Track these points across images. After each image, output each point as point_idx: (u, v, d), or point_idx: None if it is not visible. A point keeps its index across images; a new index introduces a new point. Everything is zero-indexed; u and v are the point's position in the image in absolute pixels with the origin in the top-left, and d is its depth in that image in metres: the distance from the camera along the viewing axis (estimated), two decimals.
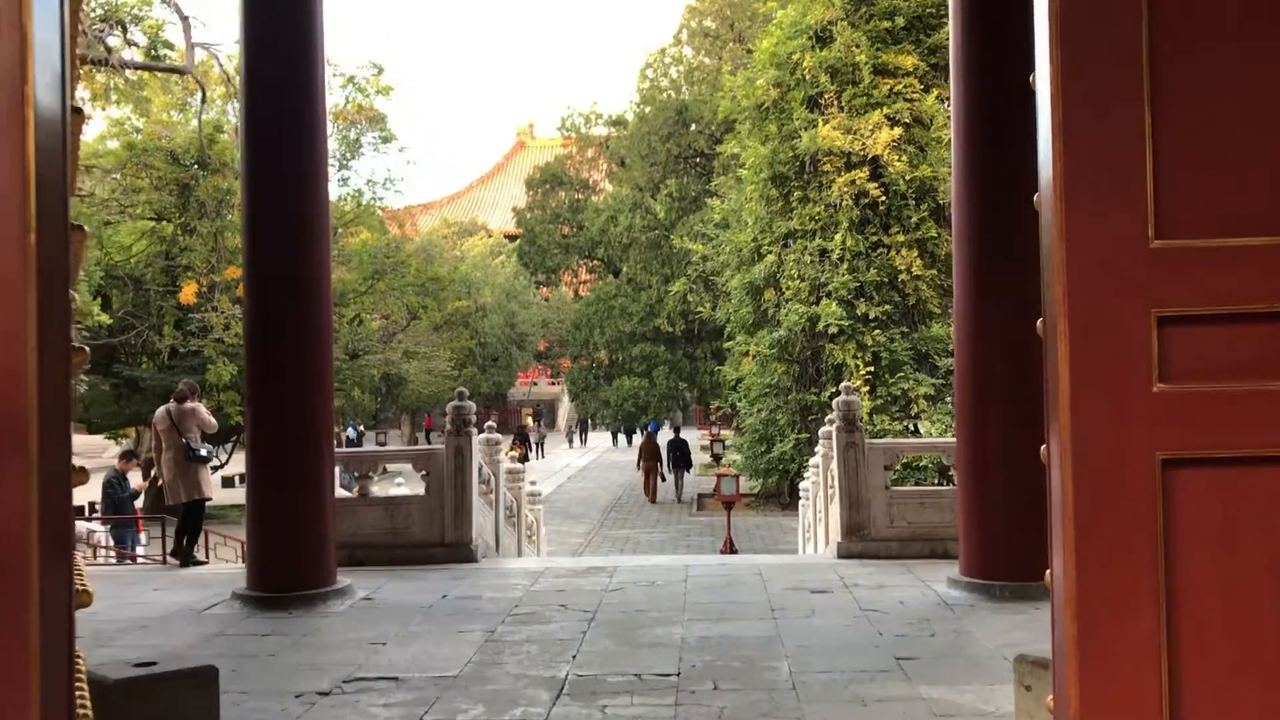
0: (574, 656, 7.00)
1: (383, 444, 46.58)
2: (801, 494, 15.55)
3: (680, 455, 32.82)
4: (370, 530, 10.93)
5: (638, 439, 41.92)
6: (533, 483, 16.63)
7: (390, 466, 17.42)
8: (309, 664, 6.95)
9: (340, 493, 11.71)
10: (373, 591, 9.39)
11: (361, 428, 47.57)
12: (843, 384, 10.99)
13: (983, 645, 7.11)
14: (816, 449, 14.44)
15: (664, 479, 32.81)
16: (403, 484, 14.80)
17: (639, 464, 33.42)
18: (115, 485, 16.70)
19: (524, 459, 39.02)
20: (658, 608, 8.50)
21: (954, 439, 11.66)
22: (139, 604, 9.09)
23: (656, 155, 31.13)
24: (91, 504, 28.73)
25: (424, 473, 11.09)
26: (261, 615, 8.52)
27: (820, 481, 12.47)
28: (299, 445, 8.92)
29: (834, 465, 11.68)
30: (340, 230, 30.43)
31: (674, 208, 30.66)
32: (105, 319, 19.69)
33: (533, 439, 48.94)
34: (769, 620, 7.96)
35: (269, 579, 8.87)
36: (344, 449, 11.57)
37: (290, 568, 8.89)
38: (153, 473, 16.04)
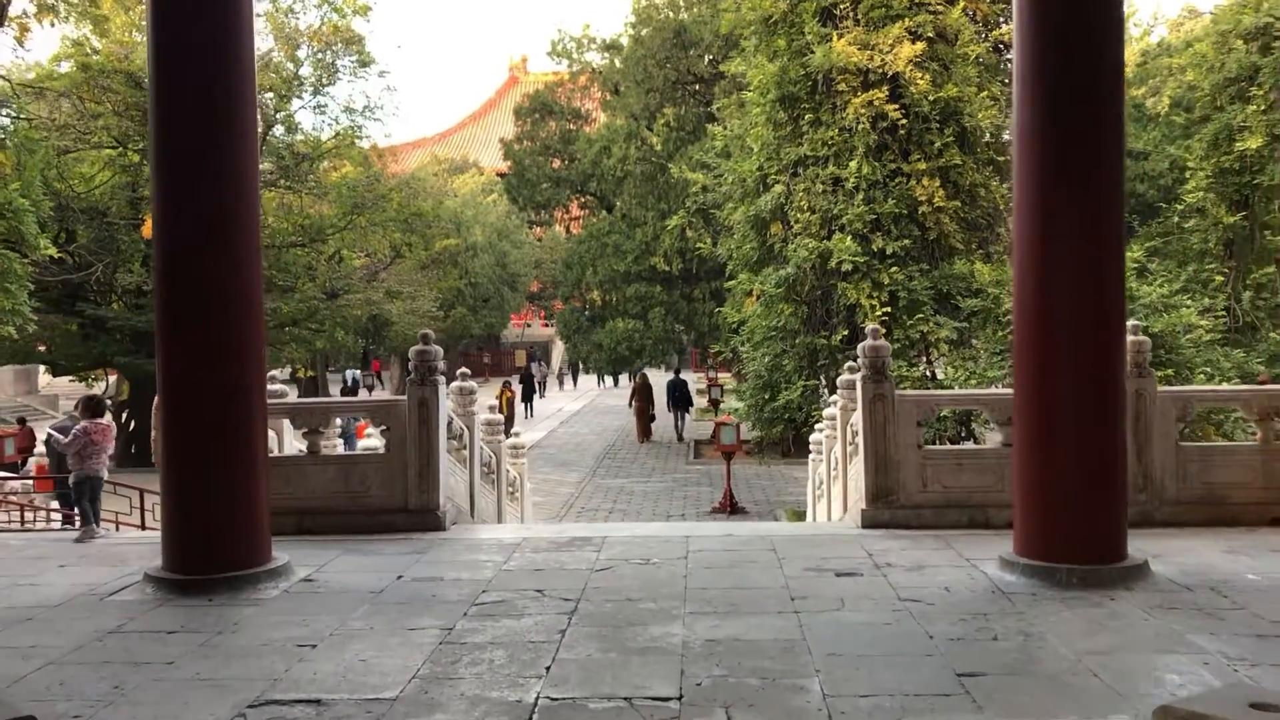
0: (548, 668, 5.55)
1: (371, 389, 45.12)
2: (812, 446, 14.08)
3: (680, 396, 32.43)
4: (322, 494, 9.46)
5: (625, 381, 41.99)
6: (516, 433, 15.16)
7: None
8: (212, 678, 5.49)
9: (291, 448, 10.25)
10: (316, 570, 7.93)
11: (359, 371, 46.01)
12: (869, 326, 9.45)
13: (1061, 655, 5.66)
14: (831, 399, 12.96)
15: (654, 418, 32.30)
16: (373, 435, 13.31)
17: (631, 403, 32.86)
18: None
19: (521, 401, 38.03)
20: (653, 595, 7.05)
21: (1008, 391, 10.21)
22: (34, 586, 7.62)
23: (653, 81, 29.20)
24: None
25: (383, 428, 9.59)
26: (174, 604, 7.05)
27: (839, 436, 10.99)
28: (223, 399, 7.40)
29: (856, 420, 10.20)
30: (316, 163, 28.69)
31: (671, 138, 28.81)
32: (52, 251, 18.03)
33: (536, 379, 47.95)
34: (789, 615, 6.50)
35: (187, 559, 7.40)
36: (288, 400, 10.03)
37: (213, 545, 7.41)
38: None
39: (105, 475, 9.75)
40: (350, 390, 44.02)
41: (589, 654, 5.78)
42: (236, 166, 7.42)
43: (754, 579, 7.46)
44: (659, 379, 38.40)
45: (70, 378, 30.25)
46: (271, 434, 10.60)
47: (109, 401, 16.55)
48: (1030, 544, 7.34)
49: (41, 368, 33.65)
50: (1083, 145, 7.11)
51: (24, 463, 24.79)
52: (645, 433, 32.21)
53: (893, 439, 9.22)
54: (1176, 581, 7.17)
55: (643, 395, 32.06)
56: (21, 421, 29.04)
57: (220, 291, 7.37)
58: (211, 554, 7.38)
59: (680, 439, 31.99)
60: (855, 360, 13.57)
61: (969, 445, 11.11)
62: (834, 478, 11.75)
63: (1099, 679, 5.25)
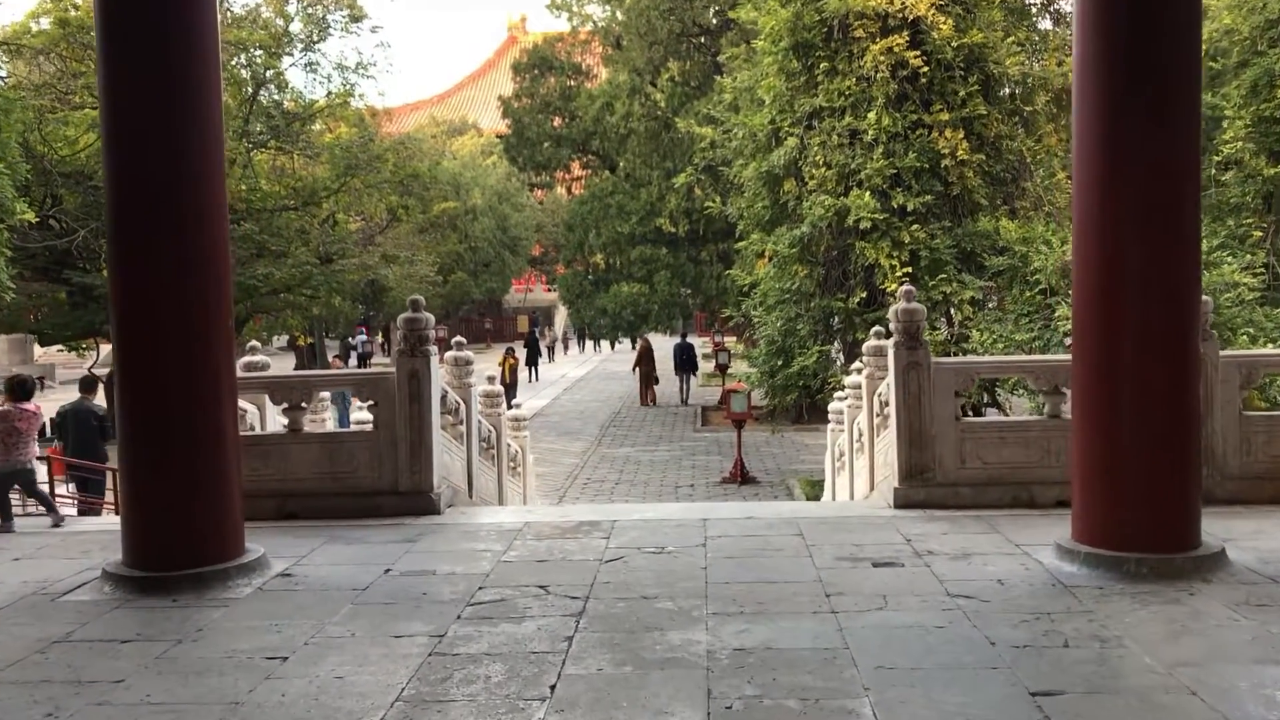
0: (553, 687, 4.78)
1: (370, 356, 44.27)
2: (832, 415, 13.28)
3: (686, 359, 32.47)
4: (305, 475, 8.68)
5: (614, 347, 42.50)
6: (517, 404, 14.36)
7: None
8: (164, 703, 4.72)
9: (276, 425, 9.45)
10: (295, 562, 7.15)
11: (364, 336, 45.05)
12: (902, 288, 8.62)
13: (1147, 666, 4.87)
14: (853, 366, 12.14)
15: (657, 381, 32.34)
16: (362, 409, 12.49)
17: (635, 368, 32.87)
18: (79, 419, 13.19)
19: (526, 365, 37.83)
20: (670, 591, 6.27)
21: (1058, 357, 9.39)
22: None
23: (656, 34, 28.05)
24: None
25: (371, 403, 8.79)
26: (133, 605, 6.28)
27: (864, 406, 10.18)
28: (187, 373, 6.59)
29: (885, 389, 9.39)
30: (309, 124, 27.70)
31: (676, 93, 27.69)
32: (30, 216, 17.15)
33: (543, 345, 47.42)
34: (826, 616, 5.72)
35: (147, 553, 6.62)
36: (266, 373, 9.22)
37: (177, 537, 6.63)
38: None
39: (34, 467, 8.73)
40: (346, 357, 43.20)
41: (600, 667, 5.01)
42: (196, 113, 6.56)
43: (782, 571, 6.67)
44: (664, 343, 37.68)
45: (58, 347, 29.46)
46: (253, 410, 9.84)
47: (98, 375, 15.68)
48: (1092, 529, 6.54)
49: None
50: (1156, 75, 6.25)
51: None
52: (649, 396, 32.05)
53: (928, 411, 8.41)
54: (1258, 572, 6.37)
55: (646, 359, 31.96)
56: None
57: (180, 251, 6.54)
58: (175, 547, 6.60)
59: (685, 403, 31.86)
60: (882, 324, 12.81)
61: (1011, 417, 10.30)
62: (858, 450, 10.96)
63: (1199, 699, 4.47)
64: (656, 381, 32.43)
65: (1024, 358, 10.84)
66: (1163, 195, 6.25)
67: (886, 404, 9.23)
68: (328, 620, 5.87)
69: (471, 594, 6.31)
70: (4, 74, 23.44)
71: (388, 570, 6.92)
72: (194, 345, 6.60)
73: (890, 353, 8.55)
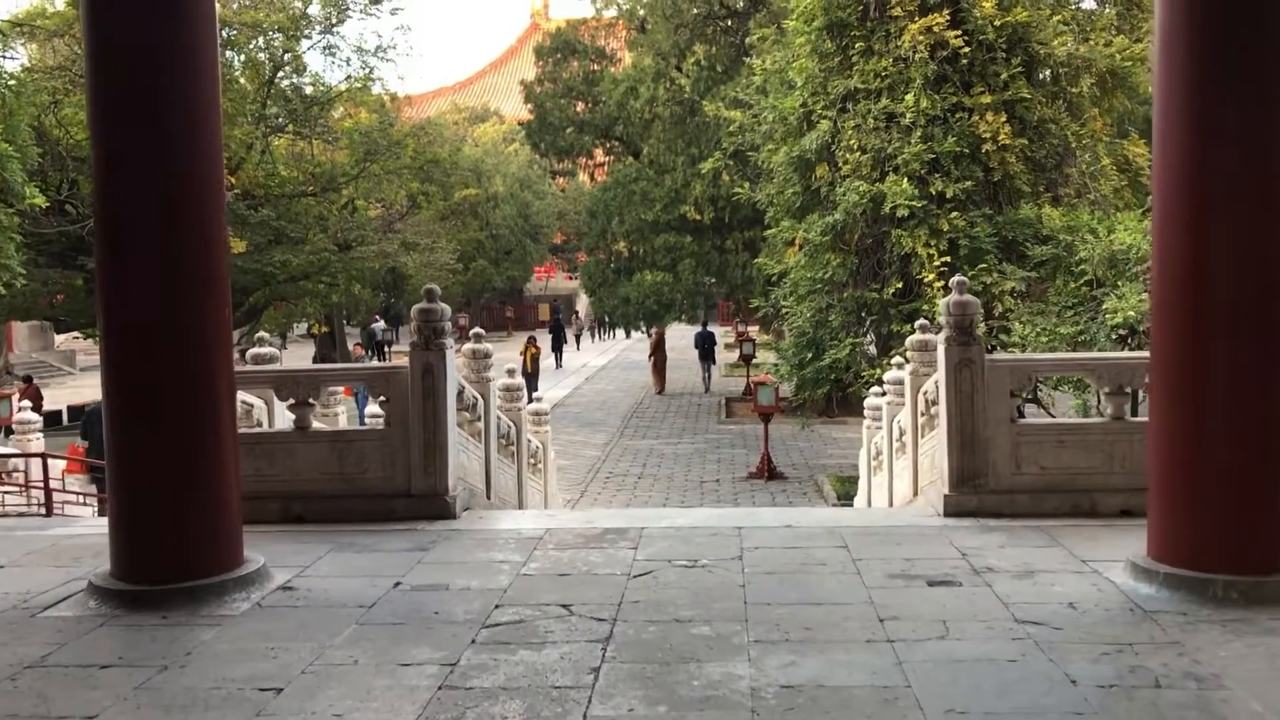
0: None
1: (390, 344, 43.85)
2: (868, 411, 12.66)
3: (709, 348, 33.24)
4: (312, 475, 8.13)
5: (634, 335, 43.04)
6: (538, 398, 13.80)
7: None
8: None
9: (285, 422, 8.93)
10: (298, 573, 6.61)
11: (382, 325, 44.57)
12: (955, 279, 7.97)
13: (1257, 715, 4.26)
14: (893, 360, 11.52)
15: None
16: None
17: (650, 357, 33.76)
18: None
19: (552, 351, 38.00)
20: (706, 612, 5.68)
21: (1123, 355, 8.75)
22: None
23: (682, 16, 27.36)
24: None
25: (382, 399, 8.24)
26: (119, 622, 5.75)
27: (907, 404, 9.57)
28: (180, 368, 6.05)
29: (931, 386, 8.78)
30: (327, 108, 27.21)
31: (702, 78, 27.00)
32: (41, 201, 16.73)
33: (569, 333, 47.30)
34: (881, 645, 5.13)
35: (137, 564, 6.09)
36: (272, 367, 8.70)
37: (168, 547, 6.10)
38: None
39: None
40: (370, 346, 42.77)
41: (631, 708, 4.44)
42: (188, 83, 6.01)
43: (828, 590, 6.08)
44: (683, 332, 37.24)
45: (74, 334, 29.15)
46: (260, 405, 9.36)
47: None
48: (1172, 546, 5.91)
49: None
50: (1257, 34, 5.59)
51: None
52: (662, 383, 32.97)
53: (982, 412, 7.78)
54: None
55: (661, 349, 32.95)
56: (28, 380, 28.01)
57: (171, 235, 5.99)
58: (166, 559, 6.07)
59: (707, 390, 32.56)
60: (918, 316, 12.17)
61: (1070, 419, 9.68)
62: (898, 451, 10.35)
63: None
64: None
65: (1086, 355, 10.20)
66: (1262, 179, 5.60)
67: (934, 403, 8.62)
68: (329, 643, 5.32)
69: (487, 613, 5.75)
70: (20, 57, 23.02)
71: (397, 584, 6.36)
72: (187, 337, 6.06)
73: (940, 348, 7.92)
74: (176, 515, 6.08)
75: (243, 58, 25.34)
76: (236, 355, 7.99)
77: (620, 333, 45.31)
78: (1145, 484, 7.37)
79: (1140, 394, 9.03)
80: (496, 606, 5.87)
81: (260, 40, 24.97)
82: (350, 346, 39.05)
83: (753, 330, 40.15)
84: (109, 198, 6.01)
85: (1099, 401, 13.49)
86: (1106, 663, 4.85)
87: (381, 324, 44.32)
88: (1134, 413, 8.02)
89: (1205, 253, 5.68)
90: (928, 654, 5.01)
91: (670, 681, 4.72)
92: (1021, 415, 13.49)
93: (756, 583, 6.23)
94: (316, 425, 8.89)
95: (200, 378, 6.13)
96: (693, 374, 34.66)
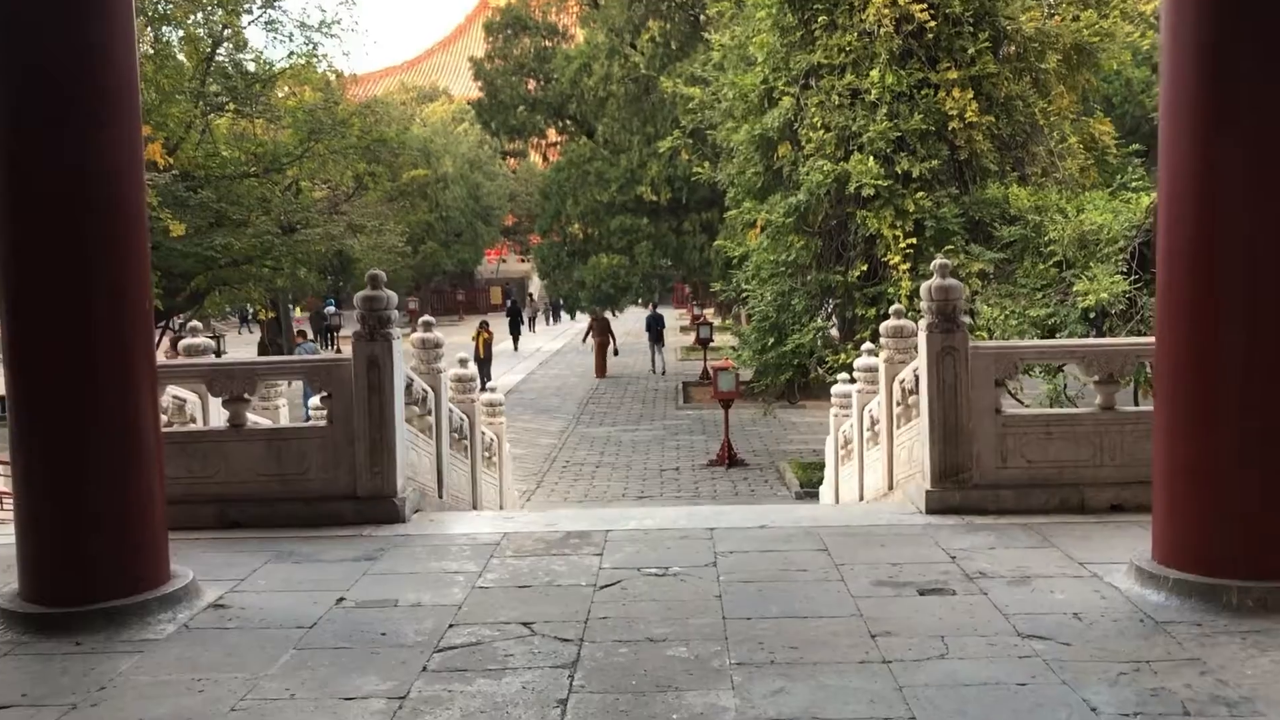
0: None
1: (337, 329, 42.84)
2: (835, 399, 12.22)
3: (659, 330, 33.36)
4: (248, 477, 7.53)
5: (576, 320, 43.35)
6: (491, 388, 13.22)
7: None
8: None
9: (220, 420, 8.29)
10: (232, 588, 6.02)
11: (333, 308, 43.62)
12: (937, 261, 7.51)
13: None
14: (864, 347, 11.08)
15: (616, 353, 33.51)
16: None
17: (585, 338, 34.08)
18: None
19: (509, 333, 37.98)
20: (682, 630, 5.18)
21: (1117, 341, 8.36)
22: None
23: None
24: None
25: (324, 394, 7.63)
26: (26, 650, 5.13)
27: (882, 392, 9.12)
28: (92, 362, 5.42)
29: (908, 375, 8.34)
30: (270, 86, 26.23)
31: (658, 55, 26.36)
32: None
33: (525, 315, 46.96)
34: (876, 667, 4.65)
35: (48, 584, 5.47)
36: (203, 360, 8.06)
37: (82, 564, 5.47)
38: None
39: None
40: (320, 331, 41.78)
41: None
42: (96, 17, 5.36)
43: (812, 600, 5.60)
44: (639, 315, 36.82)
45: None
46: (194, 400, 8.72)
47: None
48: (1180, 550, 5.50)
49: None
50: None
51: None
52: (603, 368, 32.77)
53: (965, 402, 7.35)
54: None
55: (601, 330, 32.79)
56: None
57: (81, 214, 5.34)
58: (80, 576, 5.44)
59: (660, 371, 32.71)
60: (892, 300, 11.75)
61: (1059, 409, 9.29)
62: (870, 442, 9.92)
63: None
64: (616, 353, 33.62)
65: (1075, 341, 9.83)
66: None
67: (911, 392, 8.18)
68: (263, 673, 4.75)
69: (440, 634, 5.20)
70: None
71: (341, 600, 5.79)
72: (99, 327, 5.43)
73: (922, 335, 7.47)
74: (91, 527, 5.46)
75: (180, 33, 24.31)
76: (167, 345, 7.36)
77: (567, 316, 45.27)
78: (1136, 477, 7.06)
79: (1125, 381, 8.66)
80: (450, 626, 5.33)
81: (199, 15, 23.96)
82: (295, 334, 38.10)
83: (708, 313, 39.71)
84: (10, 173, 5.35)
85: (1065, 387, 13.29)
86: (1125, 685, 4.41)
87: (332, 308, 43.35)
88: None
89: (1224, 231, 5.24)
90: (929, 676, 4.54)
91: (646, 716, 4.22)
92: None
93: (734, 593, 5.74)
94: (255, 421, 8.29)
95: (116, 372, 5.50)
96: (644, 358, 34.29)
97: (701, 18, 25.31)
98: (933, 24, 14.46)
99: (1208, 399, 5.37)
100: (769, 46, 15.61)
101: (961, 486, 7.40)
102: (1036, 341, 10.84)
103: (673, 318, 55.60)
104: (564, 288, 31.92)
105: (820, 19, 15.01)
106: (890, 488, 8.89)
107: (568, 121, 32.90)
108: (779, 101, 15.46)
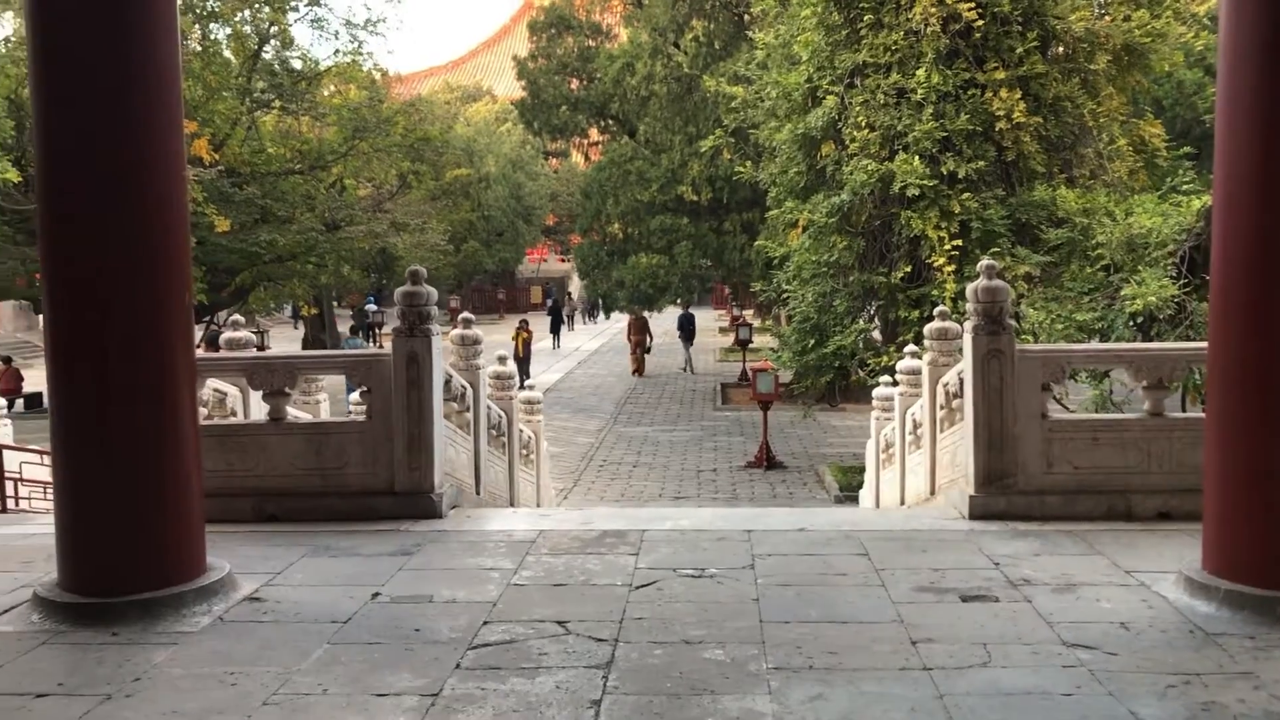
0: None
1: (380, 326, 43.13)
2: (876, 401, 12.08)
3: (690, 329, 33.69)
4: (287, 471, 7.54)
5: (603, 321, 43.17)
6: (530, 385, 13.20)
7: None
8: None
9: (258, 414, 8.32)
10: (267, 581, 6.02)
11: (374, 305, 44.05)
12: (983, 262, 7.39)
13: None
14: (906, 349, 10.94)
15: (649, 352, 33.42)
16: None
17: (628, 336, 33.89)
18: None
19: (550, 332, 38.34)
20: (718, 632, 5.10)
21: (1174, 345, 8.19)
22: None
23: None
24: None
25: (363, 389, 7.63)
26: (63, 640, 5.15)
27: (925, 395, 8.99)
28: (132, 356, 5.44)
29: (951, 378, 8.21)
30: (315, 84, 26.48)
31: (701, 54, 26.27)
32: (13, 176, 16.07)
33: (565, 312, 47.14)
34: (917, 674, 4.55)
35: (85, 574, 5.49)
36: (245, 354, 8.09)
37: (120, 555, 5.49)
38: None
39: None
40: (361, 328, 42.07)
41: None
42: (143, 40, 5.38)
43: (851, 605, 5.50)
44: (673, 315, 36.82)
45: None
46: (235, 393, 8.76)
47: None
48: (1232, 560, 5.35)
49: None
50: None
51: (10, 406, 23.11)
52: (639, 365, 32.78)
53: (1011, 407, 7.21)
54: None
55: (639, 329, 32.71)
56: (7, 361, 27.31)
57: (123, 208, 5.36)
58: (118, 567, 5.46)
59: (690, 370, 33.14)
60: (926, 302, 11.59)
61: (1106, 415, 9.10)
62: (912, 446, 9.78)
63: None
64: (649, 351, 33.47)
65: (1124, 345, 9.62)
66: None
67: (956, 396, 8.05)
68: (297, 667, 4.73)
69: (475, 631, 5.16)
70: (5, 29, 22.27)
71: (376, 595, 5.77)
72: (140, 321, 5.44)
73: (967, 338, 7.34)
74: (129, 519, 5.47)
75: (228, 30, 24.60)
76: (205, 338, 7.39)
77: (603, 316, 45.39)
78: (1186, 485, 6.90)
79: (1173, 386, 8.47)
80: (485, 623, 5.29)
81: (246, 12, 24.21)
82: (345, 329, 38.44)
83: (748, 315, 39.56)
84: (51, 165, 5.38)
85: (1111, 393, 13.04)
86: (1175, 698, 4.28)
87: (373, 305, 43.69)
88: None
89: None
90: (970, 685, 4.43)
91: (681, 719, 4.15)
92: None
93: (771, 596, 5.65)
94: (295, 415, 8.30)
95: (156, 366, 5.51)
96: (679, 357, 34.33)
97: (746, 17, 25.18)
98: (980, 23, 14.27)
99: (1265, 405, 5.21)
100: (814, 45, 15.48)
101: (1006, 492, 7.26)
102: (1085, 345, 10.64)
103: (712, 319, 55.63)
104: (603, 287, 31.88)
105: (866, 18, 14.86)
106: (932, 492, 8.76)
107: (610, 121, 32.90)
108: (823, 100, 15.33)
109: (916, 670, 4.60)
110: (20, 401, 24.99)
